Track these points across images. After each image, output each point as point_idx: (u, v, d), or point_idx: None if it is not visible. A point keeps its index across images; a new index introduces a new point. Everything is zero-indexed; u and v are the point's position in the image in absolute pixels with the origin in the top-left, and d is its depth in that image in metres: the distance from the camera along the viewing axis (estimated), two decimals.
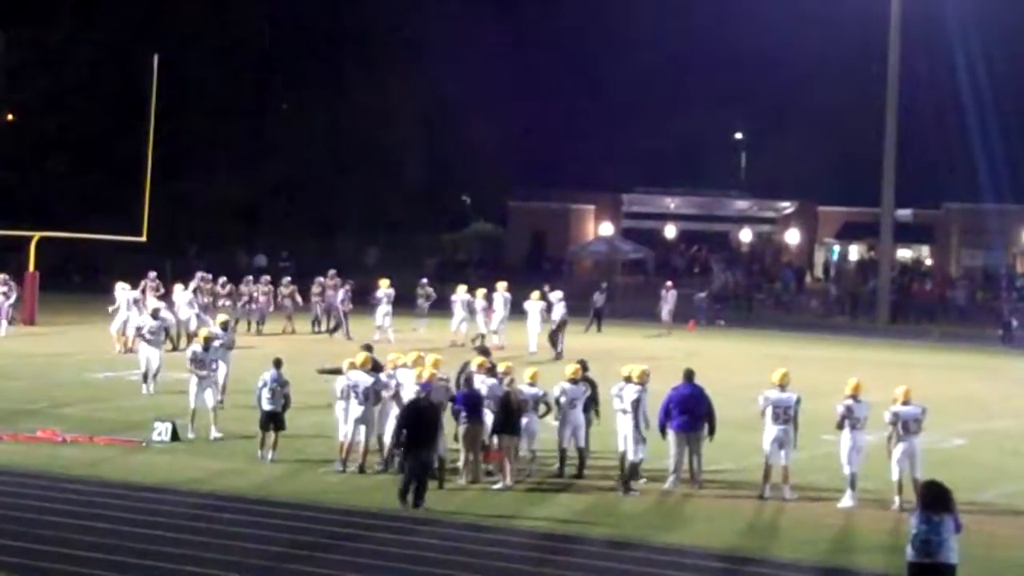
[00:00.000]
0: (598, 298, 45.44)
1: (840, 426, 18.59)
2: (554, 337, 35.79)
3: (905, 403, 18.46)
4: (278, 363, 20.49)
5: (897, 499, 18.08)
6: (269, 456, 19.99)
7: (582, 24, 76.12)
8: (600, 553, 15.62)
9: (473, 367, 20.27)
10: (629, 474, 18.89)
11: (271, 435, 20.07)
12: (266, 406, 20.09)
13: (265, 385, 20.16)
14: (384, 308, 38.02)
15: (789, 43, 69.48)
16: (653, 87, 74.03)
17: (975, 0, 57.90)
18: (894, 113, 56.23)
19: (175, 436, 21.30)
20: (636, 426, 18.74)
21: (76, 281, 56.18)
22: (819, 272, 72.09)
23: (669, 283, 47.42)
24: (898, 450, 18.29)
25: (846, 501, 18.41)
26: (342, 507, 17.34)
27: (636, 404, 18.76)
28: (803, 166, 69.96)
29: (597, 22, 75.93)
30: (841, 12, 61.95)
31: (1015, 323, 48.49)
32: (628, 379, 19.19)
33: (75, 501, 17.14)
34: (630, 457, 18.85)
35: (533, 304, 37.05)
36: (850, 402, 18.63)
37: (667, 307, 45.61)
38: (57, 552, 14.64)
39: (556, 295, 37.28)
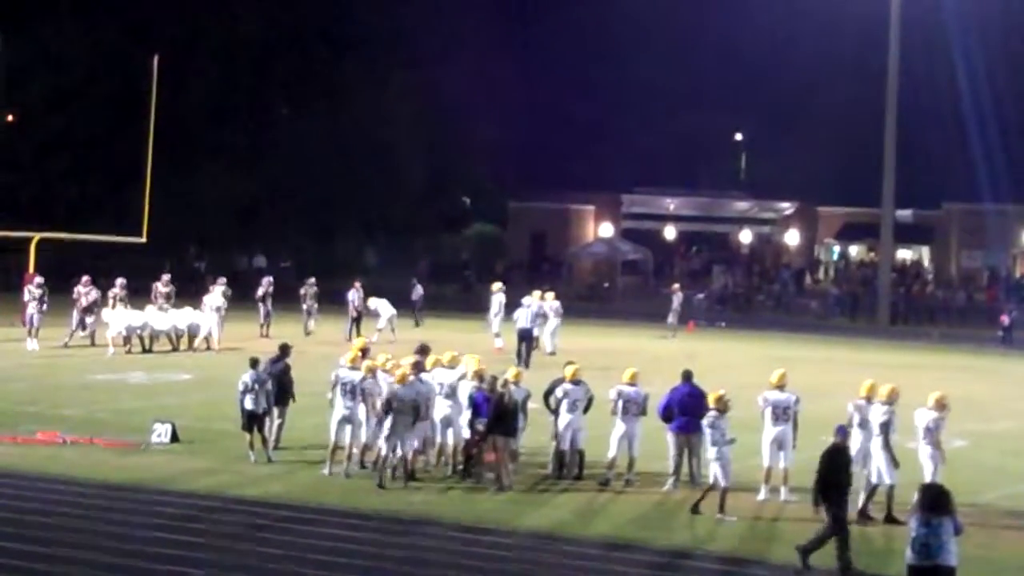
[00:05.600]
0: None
1: (849, 425, 18.59)
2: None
3: (939, 408, 18.45)
4: (254, 363, 20.42)
5: None
6: (269, 453, 20.06)
7: (582, 24, 76.08)
8: (600, 555, 15.62)
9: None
10: (888, 501, 17.93)
11: (256, 436, 20.03)
12: (248, 405, 20.06)
13: (246, 387, 20.11)
14: (386, 311, 39.06)
15: (789, 44, 69.48)
16: (653, 87, 73.93)
17: (975, 1, 57.90)
18: (894, 114, 56.22)
19: (175, 437, 21.30)
20: (885, 447, 17.93)
21: (75, 282, 55.94)
22: (820, 273, 72.03)
23: (676, 285, 47.08)
24: (923, 453, 18.24)
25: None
26: (341, 508, 17.33)
27: (886, 426, 17.94)
28: (803, 167, 69.92)
29: (597, 23, 75.90)
30: (841, 13, 61.94)
31: (1008, 321, 48.55)
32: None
33: (75, 503, 17.13)
34: (887, 480, 18.01)
35: (550, 304, 37.30)
36: (861, 402, 18.61)
37: (672, 309, 44.99)
38: (57, 554, 14.64)
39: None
